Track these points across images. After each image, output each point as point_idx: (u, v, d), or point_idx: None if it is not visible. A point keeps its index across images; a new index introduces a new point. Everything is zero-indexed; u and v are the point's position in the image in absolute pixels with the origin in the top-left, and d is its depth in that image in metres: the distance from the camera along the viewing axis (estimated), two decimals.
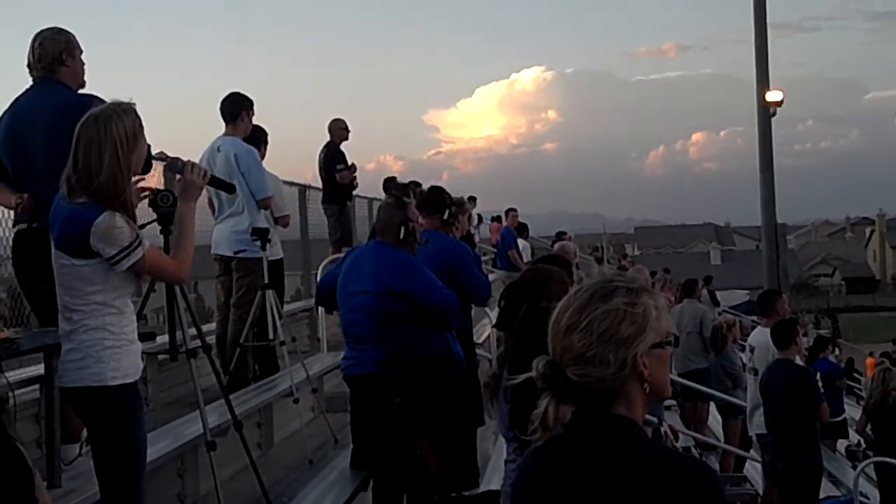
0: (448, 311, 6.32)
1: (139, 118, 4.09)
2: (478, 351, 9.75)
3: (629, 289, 2.39)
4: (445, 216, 7.31)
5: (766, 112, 22.03)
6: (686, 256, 79.41)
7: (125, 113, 4.06)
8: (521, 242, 19.61)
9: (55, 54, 5.54)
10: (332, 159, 12.42)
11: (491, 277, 21.18)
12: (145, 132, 4.11)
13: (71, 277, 4.02)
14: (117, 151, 3.96)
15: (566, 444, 2.36)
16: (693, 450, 11.95)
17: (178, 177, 4.49)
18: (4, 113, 5.62)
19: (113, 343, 4.00)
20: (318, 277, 9.13)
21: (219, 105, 8.31)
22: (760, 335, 10.28)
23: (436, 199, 7.36)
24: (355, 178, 12.72)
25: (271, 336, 7.78)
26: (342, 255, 8.07)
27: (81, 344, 3.99)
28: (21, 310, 6.67)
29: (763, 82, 22.05)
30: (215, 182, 4.99)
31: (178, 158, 4.68)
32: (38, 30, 5.64)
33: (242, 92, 8.37)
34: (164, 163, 7.46)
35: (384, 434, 6.20)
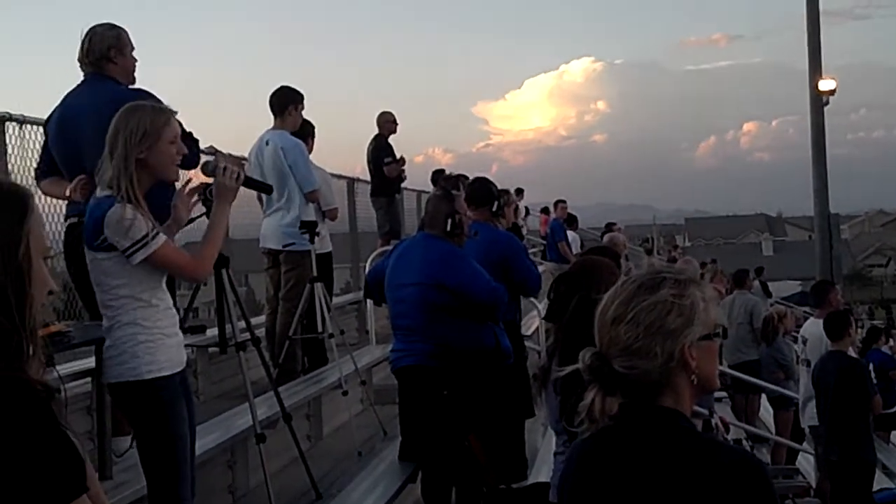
0: (495, 303, 6.31)
1: (164, 120, 4.10)
2: (526, 343, 9.74)
3: (677, 280, 2.37)
4: (494, 208, 7.29)
5: (819, 101, 21.82)
6: (737, 247, 78.64)
7: (150, 111, 4.10)
8: (570, 234, 19.56)
9: (103, 50, 5.57)
10: (381, 152, 12.43)
11: (540, 269, 21.21)
12: (168, 138, 4.09)
13: (98, 272, 4.06)
14: (126, 142, 3.99)
15: (613, 436, 2.35)
16: (744, 442, 11.82)
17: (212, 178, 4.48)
18: (56, 108, 5.66)
19: (146, 338, 4.02)
20: (367, 270, 9.16)
21: (268, 99, 8.34)
22: (813, 326, 10.17)
23: (483, 191, 7.35)
24: (404, 170, 12.72)
25: (320, 329, 7.80)
26: (391, 247, 8.08)
27: (117, 340, 4.03)
28: (74, 303, 6.75)
29: (815, 71, 21.84)
30: (250, 183, 4.97)
31: (208, 160, 4.68)
32: (91, 25, 5.68)
33: (291, 86, 8.38)
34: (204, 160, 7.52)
35: (432, 426, 6.21)
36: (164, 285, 4.21)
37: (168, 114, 4.18)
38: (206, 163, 4.55)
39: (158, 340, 4.06)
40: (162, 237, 4.04)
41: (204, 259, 4.25)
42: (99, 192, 4.07)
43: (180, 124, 5.11)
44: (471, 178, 8.28)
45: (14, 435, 1.71)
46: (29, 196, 1.91)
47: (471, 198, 7.10)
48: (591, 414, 2.36)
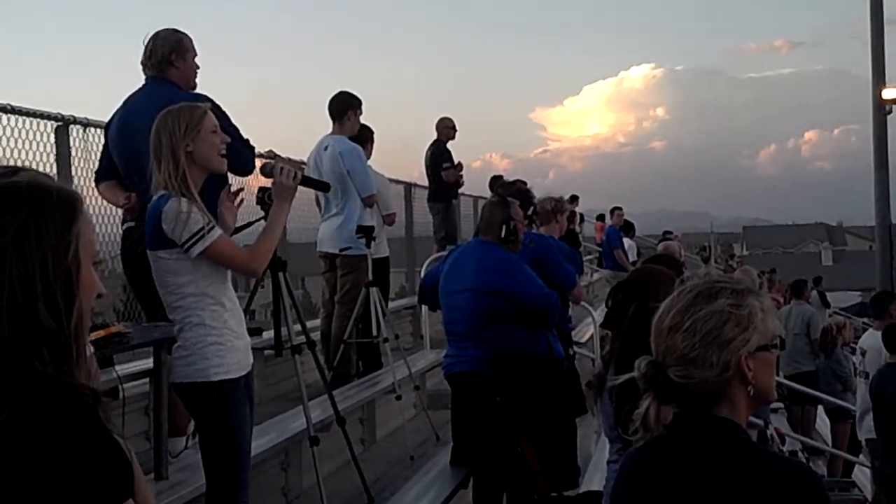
0: (549, 310, 6.29)
1: (203, 113, 4.15)
2: (580, 350, 9.70)
3: (734, 290, 2.35)
4: (530, 212, 7.24)
5: (882, 110, 21.49)
6: (796, 257, 77.78)
7: (185, 108, 4.15)
8: (626, 241, 19.45)
9: (165, 54, 5.62)
10: (439, 158, 12.44)
11: (595, 276, 21.13)
12: (208, 129, 4.14)
13: (162, 273, 4.09)
14: (170, 140, 4.03)
15: (667, 445, 2.34)
16: (800, 454, 11.69)
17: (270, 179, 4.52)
18: (117, 111, 5.71)
19: (216, 339, 4.05)
20: (422, 275, 9.18)
21: (327, 104, 8.40)
22: (872, 338, 10.03)
23: (516, 196, 7.32)
24: (461, 176, 12.73)
25: (375, 333, 7.83)
26: (446, 253, 8.09)
27: (187, 342, 4.06)
28: (134, 305, 6.83)
29: (879, 79, 21.53)
30: (308, 182, 5.00)
31: (269, 161, 4.72)
32: (156, 29, 5.75)
33: (350, 91, 8.43)
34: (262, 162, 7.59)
35: (485, 432, 6.21)
36: (230, 284, 4.24)
37: (203, 107, 4.23)
38: (265, 164, 4.60)
39: (228, 343, 4.09)
40: (218, 230, 4.07)
41: (259, 253, 4.24)
42: (153, 195, 4.11)
43: (237, 129, 5.16)
44: (529, 183, 8.27)
45: (60, 440, 1.72)
46: (78, 199, 1.91)
47: None
48: (646, 422, 2.36)
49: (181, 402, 4.37)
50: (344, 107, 8.32)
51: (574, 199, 20.58)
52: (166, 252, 4.04)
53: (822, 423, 14.14)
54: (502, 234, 6.27)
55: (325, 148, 8.18)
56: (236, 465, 4.14)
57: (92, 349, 3.48)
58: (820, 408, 13.86)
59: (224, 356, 4.07)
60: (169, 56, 5.63)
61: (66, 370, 1.81)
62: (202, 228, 3.99)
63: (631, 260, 17.79)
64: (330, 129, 8.33)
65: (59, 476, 1.70)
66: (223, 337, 4.08)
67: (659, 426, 2.35)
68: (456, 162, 12.60)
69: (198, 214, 4.01)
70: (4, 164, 4.91)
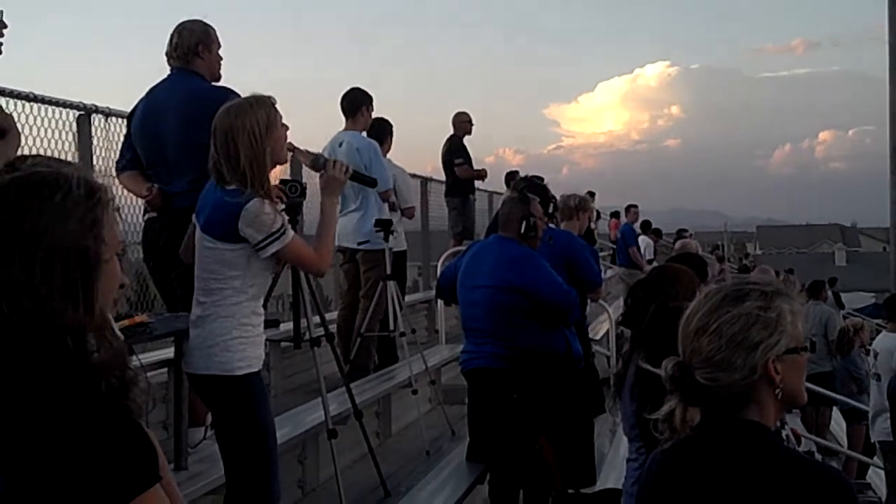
0: (568, 306, 6.29)
1: (275, 109, 4.13)
2: (596, 347, 9.69)
3: (763, 292, 2.34)
4: (550, 209, 7.23)
5: None
6: (810, 257, 77.44)
7: (258, 103, 4.12)
8: (642, 239, 19.43)
9: (191, 45, 5.61)
10: (454, 153, 12.45)
11: (609, 273, 21.11)
12: (283, 124, 4.15)
13: (213, 260, 4.08)
14: (251, 141, 4.00)
15: (695, 447, 2.33)
16: (815, 454, 11.67)
17: (321, 172, 4.52)
18: (140, 101, 5.70)
19: (240, 333, 4.06)
20: (439, 270, 9.18)
21: (339, 100, 8.42)
22: (885, 340, 10.01)
23: (536, 192, 7.31)
24: (479, 178, 12.82)
25: (391, 327, 7.85)
26: (463, 248, 8.09)
27: (211, 332, 4.05)
28: (146, 294, 6.85)
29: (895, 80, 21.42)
30: (357, 177, 5.03)
31: (319, 154, 4.74)
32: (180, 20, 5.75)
33: (361, 87, 8.48)
34: (298, 157, 7.62)
35: (501, 429, 6.21)
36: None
37: (272, 99, 4.21)
38: (317, 157, 4.63)
39: (251, 337, 4.10)
40: (291, 231, 4.11)
41: (325, 252, 4.32)
42: (220, 184, 4.07)
43: None
44: (545, 179, 8.25)
45: (88, 425, 1.74)
46: (101, 189, 1.92)
47: None
48: (673, 424, 2.35)
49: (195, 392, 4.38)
50: (357, 103, 8.36)
51: (591, 195, 20.56)
52: (229, 245, 4.04)
53: (836, 424, 14.11)
54: (522, 231, 6.26)
55: (340, 144, 8.20)
56: (267, 457, 4.14)
57: (122, 338, 3.51)
58: (835, 409, 13.82)
59: (247, 350, 4.08)
60: (196, 47, 5.62)
61: (89, 360, 1.83)
62: (278, 230, 4.02)
63: (648, 258, 17.77)
64: (343, 126, 8.36)
65: (89, 460, 1.71)
66: (247, 331, 4.09)
67: (685, 428, 2.34)
68: (480, 169, 12.70)
69: (277, 215, 4.03)
70: (26, 152, 4.95)
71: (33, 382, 1.76)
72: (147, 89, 5.73)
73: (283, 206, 4.79)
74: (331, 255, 4.40)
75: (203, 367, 4.09)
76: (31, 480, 1.71)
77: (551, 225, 7.01)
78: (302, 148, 6.37)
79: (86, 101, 6.33)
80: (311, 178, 6.24)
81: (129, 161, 5.73)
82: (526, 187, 7.00)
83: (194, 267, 4.20)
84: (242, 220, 3.97)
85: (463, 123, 12.55)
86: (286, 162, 4.47)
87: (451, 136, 12.55)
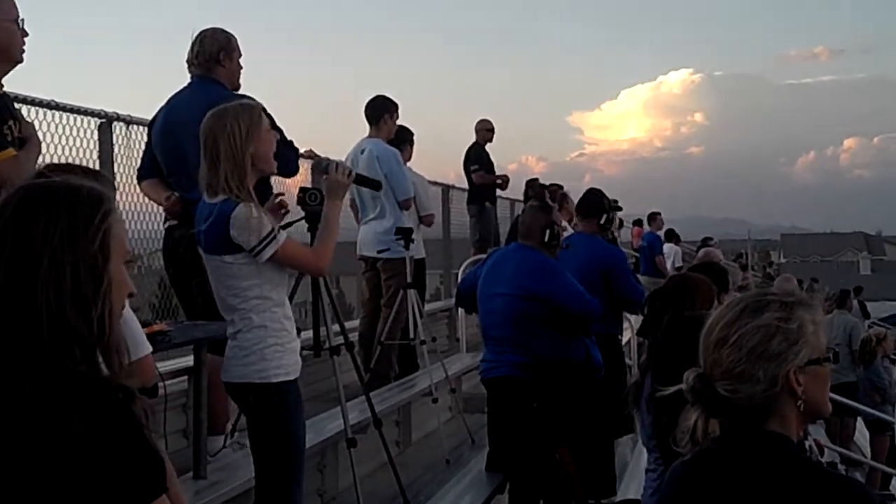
0: (588, 316, 6.25)
1: (259, 115, 4.13)
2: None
3: (783, 303, 2.31)
4: (602, 220, 7.20)
5: None
6: (834, 265, 77.06)
7: (242, 108, 4.12)
8: (668, 247, 19.34)
9: (212, 52, 5.61)
10: (472, 159, 12.43)
11: None
12: (266, 128, 4.13)
13: (226, 276, 4.07)
14: (231, 145, 3.99)
15: (716, 458, 2.30)
16: (839, 465, 11.60)
17: (324, 176, 4.55)
18: (161, 109, 5.72)
19: (275, 341, 4.06)
20: (460, 278, 9.16)
21: (364, 108, 8.41)
22: None
23: (595, 203, 7.28)
24: (500, 185, 12.80)
25: (412, 335, 7.83)
26: (484, 256, 8.08)
27: (247, 342, 4.05)
28: (169, 301, 6.85)
29: None
30: (361, 180, 5.03)
31: (324, 158, 4.74)
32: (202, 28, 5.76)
33: (386, 95, 8.45)
34: (311, 161, 7.63)
35: (521, 438, 6.18)
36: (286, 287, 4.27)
37: (258, 105, 4.22)
38: (319, 161, 4.64)
39: (286, 344, 4.11)
40: (284, 233, 4.10)
41: (323, 252, 4.32)
42: (208, 199, 4.09)
43: (281, 132, 5.17)
44: (565, 187, 8.24)
45: (96, 434, 1.74)
46: (108, 198, 1.92)
47: (580, 208, 7.05)
48: (694, 435, 2.32)
49: (232, 401, 4.37)
50: (380, 110, 8.34)
51: (615, 204, 20.46)
52: (231, 256, 4.03)
53: (861, 435, 14.01)
54: (545, 239, 6.24)
55: (362, 151, 8.20)
56: (293, 466, 4.13)
57: (150, 348, 3.52)
58: (859, 419, 13.72)
59: (283, 358, 4.08)
60: (217, 55, 5.63)
61: (98, 368, 1.83)
62: (271, 231, 4.01)
63: (677, 265, 17.69)
64: (366, 133, 8.35)
65: (96, 469, 1.71)
66: (282, 339, 4.09)
67: (707, 439, 2.31)
68: (502, 180, 12.69)
69: (265, 219, 4.02)
70: (48, 160, 4.96)
71: (39, 391, 1.76)
72: (168, 97, 5.75)
73: (303, 215, 4.81)
74: (330, 255, 4.37)
75: (239, 375, 4.10)
76: (35, 489, 1.71)
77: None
78: (321, 154, 6.38)
79: (107, 109, 6.35)
80: None
81: (149, 169, 5.75)
82: (534, 196, 7.02)
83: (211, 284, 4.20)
84: (232, 228, 3.97)
85: (483, 131, 12.54)
86: (275, 171, 4.46)
87: (473, 144, 12.55)
